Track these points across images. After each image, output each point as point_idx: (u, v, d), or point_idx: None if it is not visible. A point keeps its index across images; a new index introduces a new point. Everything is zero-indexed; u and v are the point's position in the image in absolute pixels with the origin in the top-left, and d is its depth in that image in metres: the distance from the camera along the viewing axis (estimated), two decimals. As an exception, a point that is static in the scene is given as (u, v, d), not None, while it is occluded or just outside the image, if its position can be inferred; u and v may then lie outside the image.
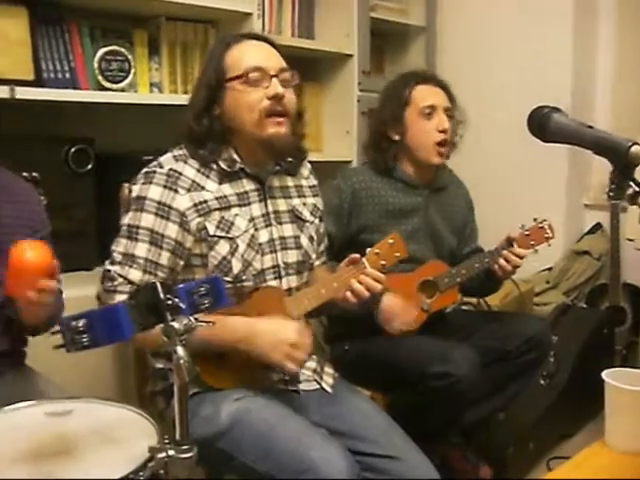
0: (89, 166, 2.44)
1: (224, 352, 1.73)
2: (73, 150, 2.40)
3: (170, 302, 1.14)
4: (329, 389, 1.89)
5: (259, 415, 1.69)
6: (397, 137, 2.39)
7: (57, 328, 1.14)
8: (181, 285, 1.19)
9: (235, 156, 1.81)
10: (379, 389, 2.19)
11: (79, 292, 1.94)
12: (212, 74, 1.80)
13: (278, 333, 1.70)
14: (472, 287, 2.47)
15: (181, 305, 1.14)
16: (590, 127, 1.49)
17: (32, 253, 1.48)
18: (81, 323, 1.09)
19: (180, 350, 1.13)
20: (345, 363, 2.11)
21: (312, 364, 1.89)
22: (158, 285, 1.13)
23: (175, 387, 1.17)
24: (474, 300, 2.95)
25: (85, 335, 1.09)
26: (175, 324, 1.13)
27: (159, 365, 1.87)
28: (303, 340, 1.72)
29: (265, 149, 1.81)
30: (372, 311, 2.18)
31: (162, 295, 1.13)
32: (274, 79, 1.77)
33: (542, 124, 1.51)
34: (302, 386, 1.86)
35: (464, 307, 2.94)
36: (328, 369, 1.96)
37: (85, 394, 1.53)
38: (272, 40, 1.86)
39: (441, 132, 2.34)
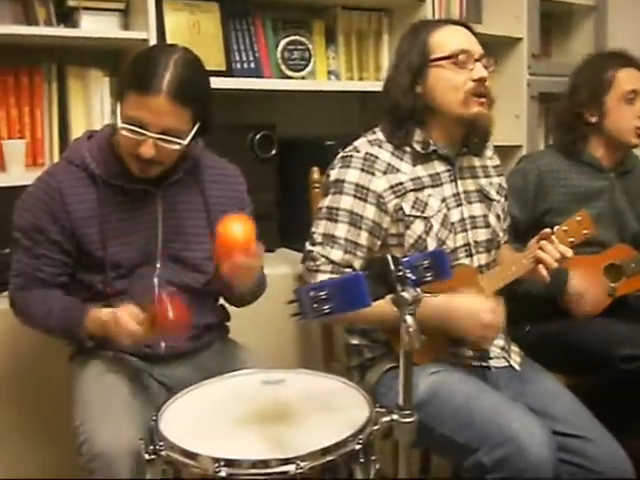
0: (273, 151, 2.56)
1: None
2: (258, 136, 2.52)
3: (400, 273, 1.20)
4: (517, 367, 1.92)
5: (457, 388, 1.74)
6: (594, 119, 2.34)
7: (293, 298, 1.23)
8: (406, 258, 1.25)
9: (429, 138, 1.87)
10: (561, 371, 2.17)
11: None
12: (415, 54, 1.85)
13: (473, 310, 1.75)
14: None
15: (411, 276, 1.21)
16: None
17: (234, 225, 1.56)
18: (322, 292, 1.17)
19: (409, 319, 1.20)
20: (526, 344, 2.10)
21: (500, 342, 1.92)
22: (389, 257, 1.20)
23: (401, 353, 1.24)
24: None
25: (326, 303, 1.17)
26: (405, 294, 1.20)
27: (354, 341, 1.96)
28: (496, 319, 1.76)
29: (466, 128, 1.87)
30: (557, 293, 2.19)
31: (392, 267, 1.20)
32: (478, 63, 1.83)
33: None
34: (492, 363, 1.89)
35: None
36: (514, 347, 1.99)
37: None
38: (471, 26, 1.91)
39: None
